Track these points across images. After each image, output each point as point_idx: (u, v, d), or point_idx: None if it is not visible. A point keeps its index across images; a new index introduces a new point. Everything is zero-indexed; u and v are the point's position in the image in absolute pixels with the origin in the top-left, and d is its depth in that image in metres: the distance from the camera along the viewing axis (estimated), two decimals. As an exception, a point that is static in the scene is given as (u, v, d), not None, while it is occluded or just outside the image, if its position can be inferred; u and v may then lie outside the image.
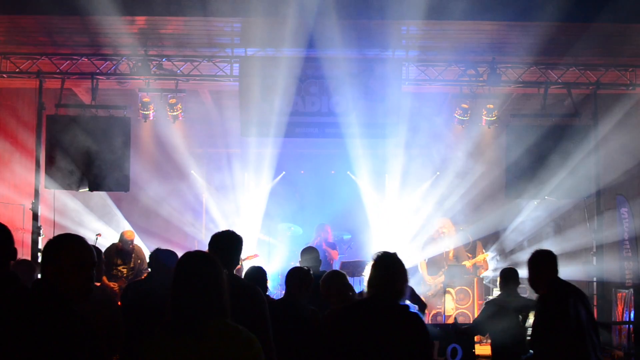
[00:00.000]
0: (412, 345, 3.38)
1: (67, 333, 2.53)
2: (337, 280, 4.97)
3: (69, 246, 2.71)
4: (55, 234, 2.88)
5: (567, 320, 4.40)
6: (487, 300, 8.41)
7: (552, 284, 4.57)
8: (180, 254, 5.29)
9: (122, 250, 9.12)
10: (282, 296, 5.35)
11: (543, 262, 4.61)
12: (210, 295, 2.61)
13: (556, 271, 4.60)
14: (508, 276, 6.15)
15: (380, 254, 3.62)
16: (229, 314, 2.65)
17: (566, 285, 4.63)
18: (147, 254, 9.26)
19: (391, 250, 3.67)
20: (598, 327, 4.62)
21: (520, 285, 6.31)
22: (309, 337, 4.52)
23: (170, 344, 2.58)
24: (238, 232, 4.22)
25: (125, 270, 9.05)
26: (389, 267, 3.54)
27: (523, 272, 10.21)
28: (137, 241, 9.82)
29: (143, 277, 6.85)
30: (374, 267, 3.57)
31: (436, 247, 9.70)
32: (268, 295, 5.37)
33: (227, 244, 4.11)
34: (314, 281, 4.93)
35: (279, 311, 4.67)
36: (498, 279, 6.40)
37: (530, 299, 6.36)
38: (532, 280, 4.63)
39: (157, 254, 5.27)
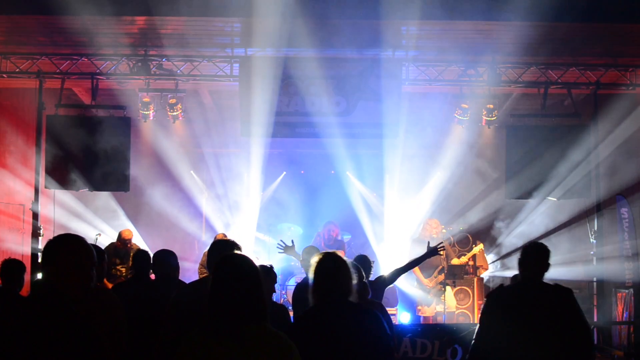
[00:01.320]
0: (369, 344, 3.35)
1: (68, 333, 2.53)
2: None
3: (68, 246, 2.71)
4: (56, 234, 2.88)
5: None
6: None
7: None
8: (180, 254, 5.35)
9: (120, 250, 9.11)
10: (284, 296, 5.33)
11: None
12: (251, 299, 2.58)
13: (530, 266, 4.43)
14: None
15: (320, 256, 3.58)
16: (269, 318, 2.62)
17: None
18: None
19: (331, 251, 3.65)
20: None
21: None
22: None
23: (210, 348, 2.54)
24: (237, 233, 4.24)
25: (124, 269, 9.04)
26: (331, 269, 3.46)
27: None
28: (137, 240, 9.83)
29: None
30: (315, 272, 3.47)
31: (423, 248, 9.63)
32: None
33: (226, 250, 4.12)
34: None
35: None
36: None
37: None
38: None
39: (159, 254, 5.29)
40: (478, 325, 4.37)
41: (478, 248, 9.81)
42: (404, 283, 9.50)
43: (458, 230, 10.48)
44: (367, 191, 12.95)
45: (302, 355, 2.87)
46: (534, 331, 4.12)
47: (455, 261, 9.56)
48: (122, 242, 9.15)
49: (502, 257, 11.32)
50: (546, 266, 4.31)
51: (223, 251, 4.07)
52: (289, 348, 2.56)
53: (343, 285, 3.45)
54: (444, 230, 10.22)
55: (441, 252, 6.49)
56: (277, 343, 2.55)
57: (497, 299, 4.38)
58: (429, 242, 6.54)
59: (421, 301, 9.44)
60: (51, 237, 2.79)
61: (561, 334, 4.13)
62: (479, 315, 4.45)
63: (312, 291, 3.49)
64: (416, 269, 9.61)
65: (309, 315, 3.47)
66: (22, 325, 2.52)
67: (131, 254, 9.10)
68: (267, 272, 5.25)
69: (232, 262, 2.70)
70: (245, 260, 2.71)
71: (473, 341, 4.36)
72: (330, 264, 3.49)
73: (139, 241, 10.65)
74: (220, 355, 2.52)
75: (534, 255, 4.34)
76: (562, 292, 4.26)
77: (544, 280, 4.32)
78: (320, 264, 3.50)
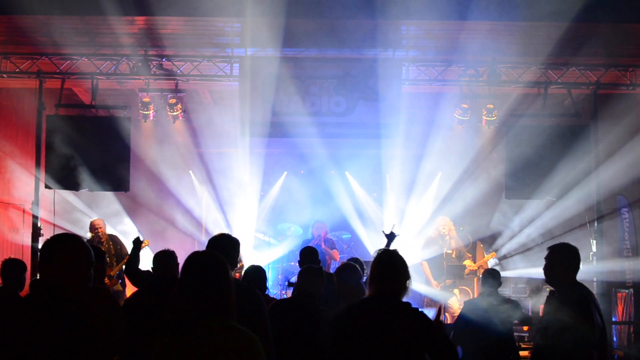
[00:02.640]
0: (416, 340, 3.39)
1: (65, 333, 2.53)
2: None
3: (66, 246, 2.71)
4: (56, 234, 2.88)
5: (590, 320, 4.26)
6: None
7: (570, 282, 4.42)
8: (180, 254, 5.35)
9: (92, 241, 9.04)
10: (284, 296, 5.36)
11: (560, 256, 4.46)
12: (215, 295, 2.58)
13: (574, 268, 4.43)
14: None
15: (381, 251, 3.65)
16: (235, 315, 2.63)
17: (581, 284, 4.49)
18: (147, 255, 9.27)
19: (392, 248, 3.71)
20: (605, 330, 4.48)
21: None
22: (318, 337, 4.51)
23: (172, 344, 2.56)
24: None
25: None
26: (390, 264, 3.56)
27: (523, 272, 10.30)
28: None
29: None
30: (375, 264, 3.58)
31: (436, 247, 9.68)
32: (267, 295, 5.39)
33: (225, 246, 4.14)
34: (326, 280, 4.92)
35: (289, 311, 4.68)
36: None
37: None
38: (548, 273, 4.48)
39: (160, 255, 5.30)
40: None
41: (489, 256, 9.84)
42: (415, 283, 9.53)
43: (466, 239, 10.47)
44: (367, 191, 12.95)
45: (346, 343, 3.05)
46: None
47: (468, 263, 9.59)
48: (92, 231, 9.12)
49: (502, 258, 11.32)
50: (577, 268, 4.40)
51: (223, 245, 4.14)
52: (251, 343, 2.56)
53: (398, 280, 3.52)
54: (461, 228, 10.25)
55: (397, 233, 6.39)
56: (240, 338, 2.55)
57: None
58: (383, 231, 6.41)
59: (428, 301, 9.49)
60: (48, 237, 2.79)
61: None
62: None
63: (368, 283, 3.60)
64: (425, 266, 9.62)
65: (356, 308, 3.50)
66: (19, 325, 2.52)
67: (104, 244, 9.06)
68: (258, 272, 5.31)
69: (198, 258, 2.71)
70: (213, 257, 2.71)
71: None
72: (390, 259, 3.58)
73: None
74: (181, 351, 2.52)
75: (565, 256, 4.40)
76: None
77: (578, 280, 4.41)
78: (381, 257, 3.60)
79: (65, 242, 2.74)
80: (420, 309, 3.58)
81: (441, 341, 3.43)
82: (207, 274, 2.62)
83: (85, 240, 2.81)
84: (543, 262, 4.47)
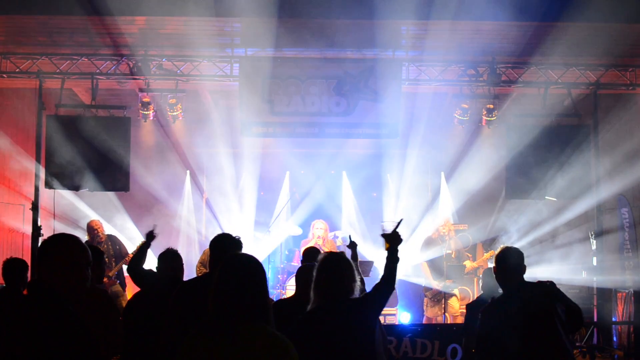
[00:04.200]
0: (367, 319, 3.49)
1: (63, 332, 2.53)
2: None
3: (63, 246, 2.71)
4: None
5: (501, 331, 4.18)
6: None
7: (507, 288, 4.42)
8: (180, 254, 5.35)
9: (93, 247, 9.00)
10: (284, 296, 5.34)
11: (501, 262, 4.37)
12: (252, 299, 2.56)
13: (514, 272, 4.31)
14: None
15: (325, 255, 3.64)
16: (270, 320, 2.61)
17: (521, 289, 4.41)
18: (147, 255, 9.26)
19: (337, 251, 3.72)
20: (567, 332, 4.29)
21: None
22: None
23: (207, 346, 2.54)
24: (238, 233, 4.27)
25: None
26: (336, 269, 3.56)
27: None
28: (136, 240, 9.80)
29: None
30: (320, 268, 3.57)
31: (436, 248, 9.67)
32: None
33: (227, 246, 4.17)
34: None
35: (289, 310, 4.68)
36: None
37: None
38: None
39: (163, 254, 5.29)
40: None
41: (487, 255, 9.83)
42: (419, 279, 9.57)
43: (466, 240, 10.47)
44: (367, 191, 12.95)
45: (304, 354, 2.91)
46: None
47: (468, 263, 9.59)
48: (90, 232, 9.11)
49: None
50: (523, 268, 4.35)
51: (226, 245, 4.12)
52: (285, 348, 2.54)
53: (346, 284, 3.52)
54: (461, 228, 10.23)
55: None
56: (274, 344, 2.53)
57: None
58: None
59: (428, 302, 9.48)
60: (45, 237, 2.80)
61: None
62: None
63: (313, 289, 3.55)
64: (425, 266, 9.61)
65: (313, 314, 3.50)
66: (17, 324, 2.52)
67: (103, 244, 9.04)
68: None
69: (236, 261, 2.70)
70: (251, 260, 2.70)
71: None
72: (333, 263, 3.53)
73: (138, 240, 10.64)
74: (214, 353, 2.51)
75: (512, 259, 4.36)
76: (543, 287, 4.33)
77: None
78: (322, 262, 3.54)
79: (62, 242, 2.74)
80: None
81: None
82: (245, 277, 2.59)
83: (81, 240, 2.81)
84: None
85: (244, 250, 4.15)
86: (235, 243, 4.25)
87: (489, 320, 4.26)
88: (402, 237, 3.87)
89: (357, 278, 3.66)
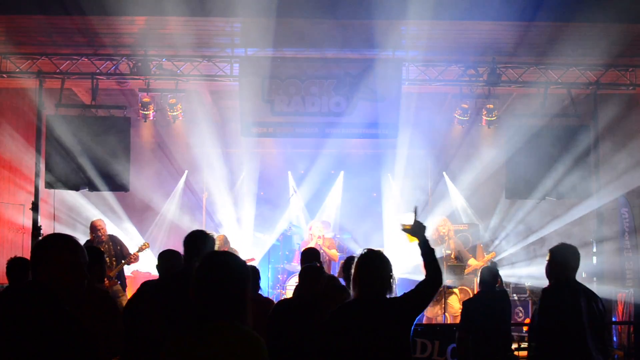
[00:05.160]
0: (405, 321, 3.52)
1: (59, 334, 2.52)
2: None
3: (58, 246, 2.70)
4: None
5: (564, 316, 4.38)
6: None
7: (557, 279, 4.52)
8: (178, 252, 5.36)
9: (91, 242, 9.01)
10: (284, 296, 5.36)
11: (554, 256, 4.56)
12: (225, 297, 2.57)
13: (566, 267, 4.50)
14: None
15: (365, 251, 3.65)
16: (247, 317, 2.61)
17: (572, 282, 4.54)
18: (148, 256, 9.27)
19: (376, 248, 3.72)
20: (603, 329, 4.53)
21: None
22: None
23: (181, 343, 2.56)
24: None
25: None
26: (373, 265, 3.59)
27: (523, 271, 10.29)
28: (136, 240, 9.81)
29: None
30: (358, 265, 3.60)
31: (436, 248, 9.64)
32: (260, 295, 5.40)
33: (201, 242, 4.31)
34: (325, 280, 4.92)
35: (292, 311, 4.68)
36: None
37: None
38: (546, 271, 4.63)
39: (164, 254, 5.30)
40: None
41: (489, 256, 9.82)
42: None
43: (467, 240, 10.47)
44: (366, 191, 12.95)
45: (335, 345, 3.00)
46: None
47: (472, 262, 9.57)
48: (92, 232, 9.09)
49: (503, 260, 11.32)
50: (577, 267, 4.50)
51: (199, 241, 4.29)
52: (257, 346, 2.54)
53: (384, 280, 3.55)
54: (461, 228, 10.21)
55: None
56: (246, 341, 2.53)
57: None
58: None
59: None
60: (41, 238, 2.79)
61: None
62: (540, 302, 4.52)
63: (352, 284, 3.60)
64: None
65: (350, 307, 3.54)
66: (14, 326, 2.52)
67: (104, 244, 9.02)
68: (253, 272, 5.35)
69: (210, 259, 2.69)
70: (225, 258, 2.68)
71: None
72: (375, 259, 3.59)
73: (138, 240, 10.65)
74: (188, 350, 2.52)
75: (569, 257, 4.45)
76: (591, 294, 4.44)
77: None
78: (362, 258, 3.59)
79: (57, 242, 2.73)
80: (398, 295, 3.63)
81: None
82: (218, 276, 2.59)
83: (77, 239, 2.80)
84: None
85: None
86: (209, 239, 4.33)
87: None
88: (425, 224, 3.70)
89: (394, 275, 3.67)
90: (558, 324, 4.37)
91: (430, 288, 3.64)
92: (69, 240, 2.75)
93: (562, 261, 4.47)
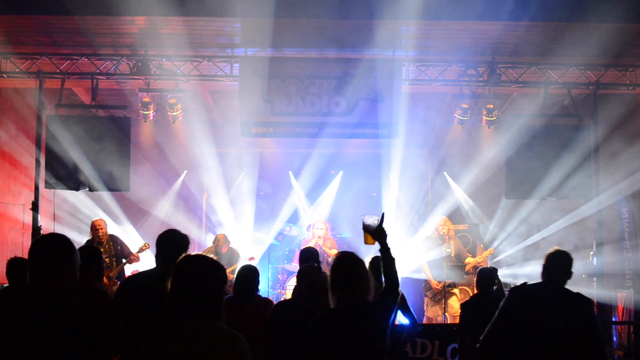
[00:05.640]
0: (382, 324, 3.50)
1: (63, 334, 2.53)
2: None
3: (57, 246, 2.71)
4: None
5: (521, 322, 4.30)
6: None
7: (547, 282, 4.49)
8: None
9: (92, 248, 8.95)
10: (284, 297, 5.35)
11: (546, 261, 4.55)
12: (200, 297, 2.62)
13: (558, 273, 4.47)
14: None
15: (338, 255, 3.64)
16: (222, 317, 2.66)
17: (553, 286, 4.47)
18: (148, 256, 9.27)
19: (349, 251, 3.71)
20: (595, 338, 4.39)
21: None
22: None
23: (159, 344, 2.59)
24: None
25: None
26: (352, 269, 3.57)
27: (522, 271, 10.28)
28: (136, 240, 9.81)
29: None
30: (333, 269, 3.58)
31: (436, 248, 9.65)
32: (259, 295, 5.39)
33: (174, 241, 4.32)
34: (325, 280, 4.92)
35: (292, 311, 4.68)
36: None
37: None
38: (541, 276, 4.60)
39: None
40: (496, 317, 4.37)
41: (487, 253, 9.82)
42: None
43: (466, 240, 10.46)
44: (366, 191, 12.95)
45: (319, 353, 3.01)
46: (547, 336, 4.15)
47: (469, 260, 9.57)
48: (92, 232, 9.08)
49: (503, 262, 11.32)
50: (569, 274, 4.42)
51: (172, 241, 4.31)
52: (238, 344, 2.59)
53: (362, 284, 3.55)
54: (461, 228, 10.19)
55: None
56: (226, 338, 2.58)
57: (518, 295, 4.42)
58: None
59: (428, 302, 9.47)
60: (36, 238, 2.80)
61: (573, 344, 4.16)
62: (501, 306, 4.44)
63: (330, 289, 3.58)
64: (425, 266, 9.60)
65: (331, 315, 3.53)
66: (14, 324, 2.52)
67: (104, 244, 9.00)
68: (250, 273, 5.35)
69: (185, 261, 2.75)
70: (200, 261, 2.74)
71: (486, 332, 4.36)
72: (346, 263, 3.58)
73: (137, 241, 10.66)
74: (166, 351, 2.55)
75: (560, 261, 4.41)
76: (582, 301, 4.29)
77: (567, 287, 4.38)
78: (336, 262, 3.56)
79: (55, 242, 2.74)
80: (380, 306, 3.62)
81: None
82: (193, 277, 2.65)
83: (70, 239, 2.81)
84: (542, 263, 4.51)
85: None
86: (182, 239, 4.35)
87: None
88: (386, 232, 3.68)
89: (372, 277, 3.66)
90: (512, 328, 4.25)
91: (389, 297, 3.60)
92: (63, 240, 2.76)
93: (554, 267, 4.45)
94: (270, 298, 6.62)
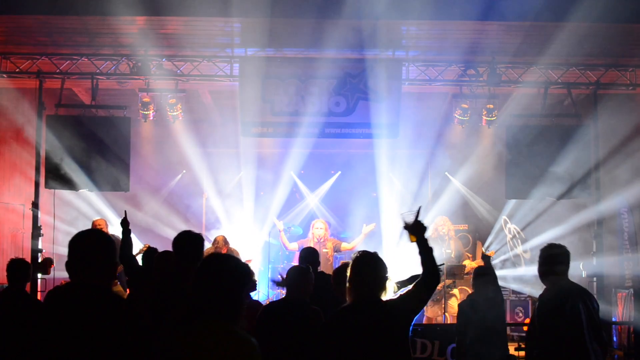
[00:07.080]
0: (403, 322, 3.51)
1: (116, 321, 2.55)
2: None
3: (94, 243, 2.69)
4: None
5: (563, 320, 4.41)
6: None
7: (553, 282, 4.56)
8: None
9: None
10: (281, 296, 5.34)
11: (542, 257, 4.60)
12: (217, 298, 2.58)
13: (557, 269, 4.55)
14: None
15: (359, 254, 3.64)
16: (240, 320, 2.63)
17: (565, 284, 4.60)
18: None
19: (372, 250, 3.71)
20: (600, 330, 4.57)
21: None
22: (311, 337, 4.51)
23: (172, 341, 2.58)
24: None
25: None
26: (369, 266, 3.57)
27: (521, 270, 10.27)
28: (136, 241, 9.79)
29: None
30: (354, 267, 3.57)
31: (436, 248, 9.63)
32: (249, 296, 5.40)
33: (184, 244, 4.37)
34: (314, 280, 4.92)
35: (281, 313, 4.67)
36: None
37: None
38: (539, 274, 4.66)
39: (161, 256, 5.31)
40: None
41: (489, 253, 9.82)
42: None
43: (466, 239, 10.47)
44: (366, 191, 12.94)
45: (332, 350, 3.07)
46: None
47: (467, 262, 9.56)
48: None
49: (504, 262, 11.32)
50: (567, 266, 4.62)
51: (187, 242, 4.36)
52: (249, 350, 2.54)
53: (378, 284, 3.53)
54: (460, 228, 10.19)
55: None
56: (237, 342, 2.54)
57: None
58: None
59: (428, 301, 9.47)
60: (78, 232, 2.75)
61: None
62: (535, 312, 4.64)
63: (347, 288, 3.57)
64: None
65: (346, 312, 3.53)
66: (67, 323, 2.52)
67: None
68: (305, 273, 5.29)
69: (208, 260, 2.71)
70: (221, 261, 2.71)
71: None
72: (366, 262, 3.58)
73: (137, 242, 10.63)
74: (178, 348, 2.54)
75: (561, 257, 4.51)
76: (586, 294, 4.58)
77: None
78: (356, 261, 3.58)
79: (95, 238, 2.73)
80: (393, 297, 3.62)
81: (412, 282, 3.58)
82: (213, 277, 2.61)
83: (109, 235, 2.81)
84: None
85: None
86: (197, 239, 4.39)
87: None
88: (425, 225, 3.68)
89: (389, 276, 3.65)
90: (558, 330, 4.39)
91: (427, 289, 3.58)
92: (106, 236, 2.77)
93: (551, 261, 4.49)
94: (259, 301, 6.55)
